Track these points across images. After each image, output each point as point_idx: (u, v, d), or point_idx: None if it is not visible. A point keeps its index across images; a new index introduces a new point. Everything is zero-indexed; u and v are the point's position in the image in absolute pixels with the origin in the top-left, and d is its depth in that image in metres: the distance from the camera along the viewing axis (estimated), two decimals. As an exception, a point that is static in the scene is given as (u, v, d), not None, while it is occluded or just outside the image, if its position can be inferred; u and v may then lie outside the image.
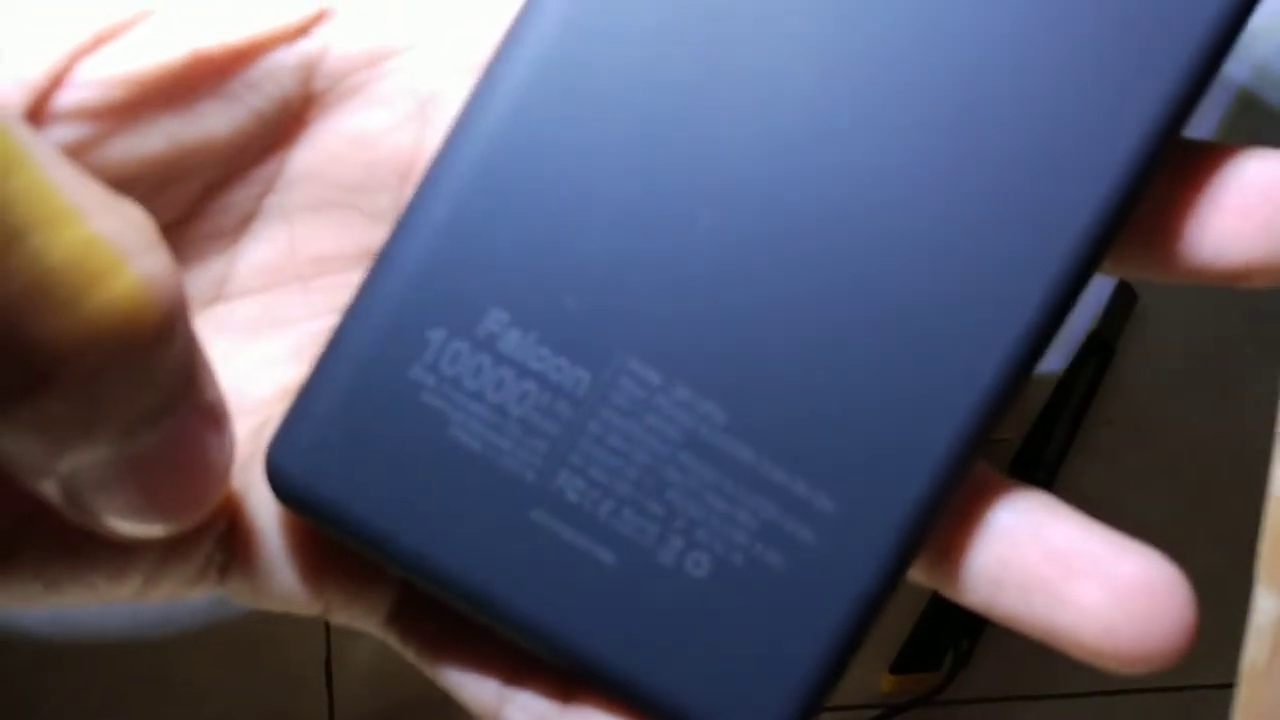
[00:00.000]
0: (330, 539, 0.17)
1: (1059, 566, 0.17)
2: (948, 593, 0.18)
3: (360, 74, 0.17)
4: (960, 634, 0.47)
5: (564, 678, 0.17)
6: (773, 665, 0.16)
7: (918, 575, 0.17)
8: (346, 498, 0.16)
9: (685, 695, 0.16)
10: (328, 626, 0.43)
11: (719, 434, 0.16)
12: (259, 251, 0.18)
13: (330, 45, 0.17)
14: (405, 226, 0.16)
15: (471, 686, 0.18)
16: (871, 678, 0.47)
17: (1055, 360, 0.48)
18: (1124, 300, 0.48)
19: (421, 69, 0.18)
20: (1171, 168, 0.17)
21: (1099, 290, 0.48)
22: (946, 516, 0.16)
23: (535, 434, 0.16)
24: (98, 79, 0.16)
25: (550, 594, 0.16)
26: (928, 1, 0.16)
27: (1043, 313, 0.16)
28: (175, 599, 0.18)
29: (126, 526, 0.15)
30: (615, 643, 0.16)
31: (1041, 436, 0.47)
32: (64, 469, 0.14)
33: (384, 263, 0.16)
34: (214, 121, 0.17)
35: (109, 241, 0.13)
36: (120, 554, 0.17)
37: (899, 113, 0.16)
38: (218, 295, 0.18)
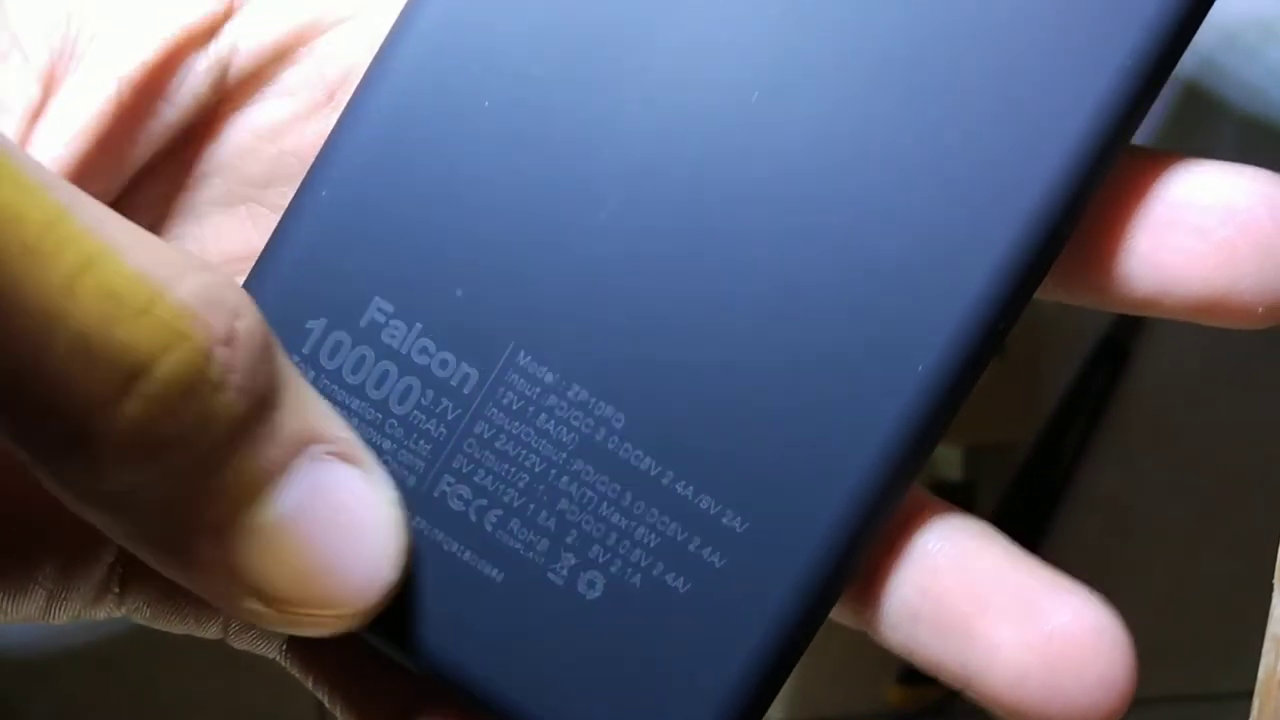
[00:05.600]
0: None
1: (976, 600, 0.15)
2: (872, 633, 0.15)
3: (270, 67, 0.17)
4: (971, 643, 0.47)
5: (461, 709, 0.16)
6: (673, 700, 0.14)
7: (842, 616, 0.16)
8: None
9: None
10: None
11: (618, 440, 0.14)
12: None
13: (238, 42, 0.16)
14: (290, 212, 0.15)
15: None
16: (878, 689, 0.47)
17: (1072, 364, 0.47)
18: (1139, 300, 0.47)
19: (330, 54, 0.17)
20: (1116, 178, 0.15)
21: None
22: (873, 544, 0.15)
23: (418, 435, 0.14)
24: (55, 142, 0.15)
25: (431, 612, 0.14)
26: None
27: (978, 321, 0.14)
28: (79, 618, 0.17)
29: (299, 616, 0.13)
30: (499, 669, 0.14)
31: (1055, 439, 0.47)
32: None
33: (268, 249, 0.15)
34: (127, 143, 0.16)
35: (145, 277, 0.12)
36: (21, 569, 0.16)
37: (820, 110, 0.14)
38: None
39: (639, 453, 0.14)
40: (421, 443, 0.15)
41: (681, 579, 0.14)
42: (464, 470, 0.15)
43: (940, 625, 0.15)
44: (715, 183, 0.14)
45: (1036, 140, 0.14)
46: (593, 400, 0.14)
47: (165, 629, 0.18)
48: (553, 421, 0.14)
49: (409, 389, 0.14)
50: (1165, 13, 0.14)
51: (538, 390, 0.14)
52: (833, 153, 0.14)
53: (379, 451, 0.14)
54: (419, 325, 0.14)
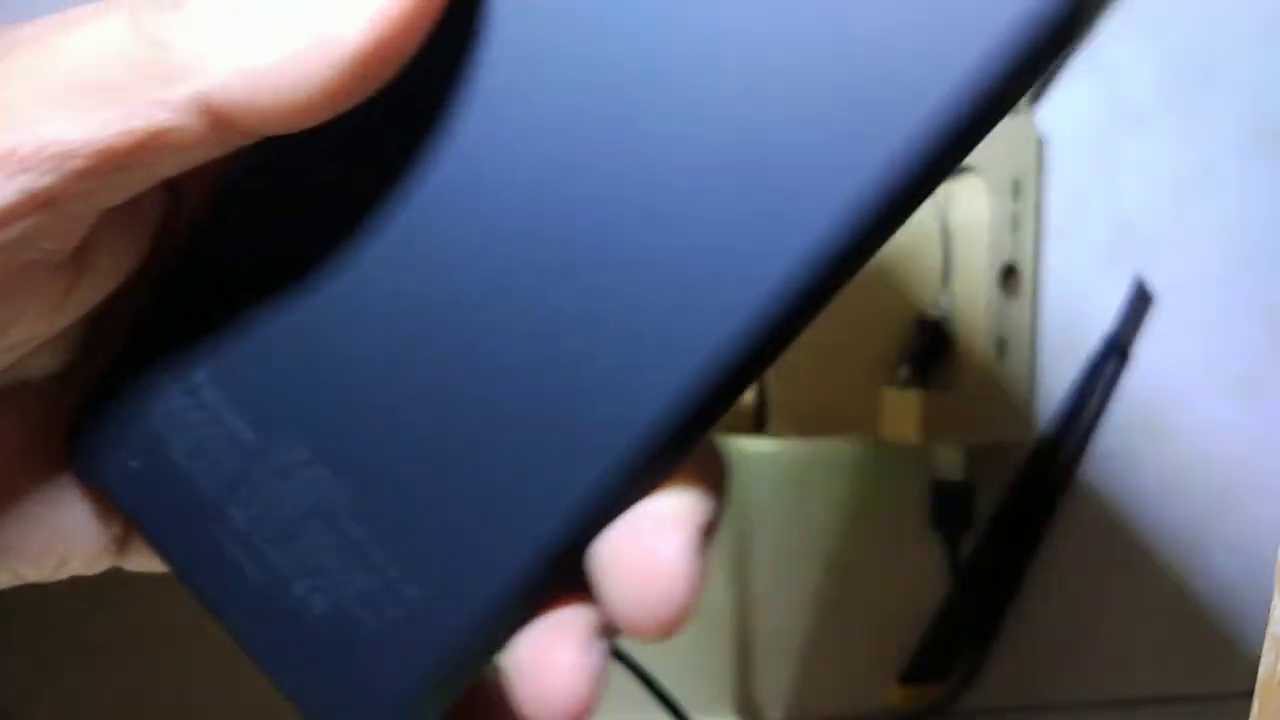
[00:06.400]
0: None
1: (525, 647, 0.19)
2: None
3: None
4: (971, 643, 0.47)
5: None
6: (364, 701, 0.19)
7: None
8: (115, 487, 0.20)
9: (303, 699, 0.20)
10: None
11: (342, 511, 0.19)
12: None
13: None
14: (160, 293, 0.20)
15: None
16: (878, 689, 0.47)
17: (1072, 364, 0.47)
18: (1140, 302, 0.47)
19: None
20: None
21: (1114, 293, 0.48)
22: (517, 627, 0.19)
23: (219, 468, 0.20)
24: None
25: (226, 593, 0.20)
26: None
27: (649, 438, 0.17)
28: (79, 573, 0.21)
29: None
30: (258, 637, 0.20)
31: (1055, 439, 0.47)
32: None
33: (147, 315, 0.20)
34: None
35: None
36: (44, 541, 0.20)
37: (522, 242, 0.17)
38: None
39: (355, 524, 0.19)
40: (221, 475, 0.20)
41: (373, 619, 0.19)
42: (244, 500, 0.19)
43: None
44: (442, 324, 0.18)
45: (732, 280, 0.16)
46: (329, 478, 0.19)
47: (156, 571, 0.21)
48: (301, 485, 0.19)
49: (215, 435, 0.20)
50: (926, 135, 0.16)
51: (292, 461, 0.19)
52: (552, 269, 0.17)
53: (196, 473, 0.20)
54: (222, 392, 0.19)
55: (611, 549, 0.18)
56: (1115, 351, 0.47)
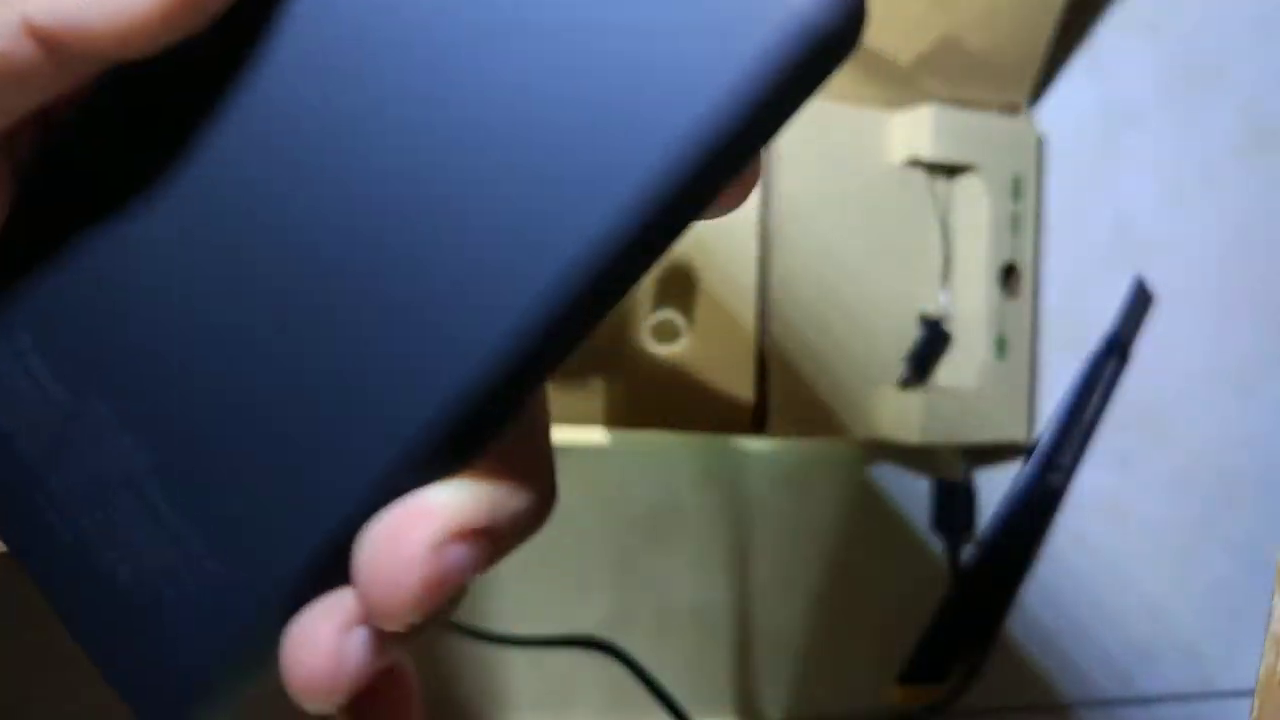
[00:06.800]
0: None
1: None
2: None
3: None
4: (971, 643, 0.47)
5: None
6: (162, 675, 0.19)
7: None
8: None
9: (108, 670, 0.20)
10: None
11: (148, 482, 0.19)
12: None
13: None
14: None
15: None
16: (878, 689, 0.47)
17: (1072, 364, 0.47)
18: (1140, 302, 0.47)
19: None
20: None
21: (1114, 292, 0.48)
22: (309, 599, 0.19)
23: (38, 432, 0.20)
24: None
25: (43, 559, 0.20)
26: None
27: (436, 425, 0.17)
28: None
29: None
30: (69, 604, 0.20)
31: (1057, 440, 0.47)
32: None
33: None
34: None
35: None
36: None
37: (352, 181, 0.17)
38: None
39: (161, 496, 0.19)
40: (39, 439, 0.20)
41: (174, 593, 0.19)
42: (60, 466, 0.19)
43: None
44: (251, 289, 0.18)
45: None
46: (136, 448, 0.19)
47: None
48: (110, 454, 0.19)
49: (36, 399, 0.20)
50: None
51: (103, 430, 0.19)
52: (354, 228, 0.17)
53: (15, 436, 0.20)
54: (44, 357, 0.20)
55: (369, 530, 0.18)
56: (1115, 351, 0.47)
